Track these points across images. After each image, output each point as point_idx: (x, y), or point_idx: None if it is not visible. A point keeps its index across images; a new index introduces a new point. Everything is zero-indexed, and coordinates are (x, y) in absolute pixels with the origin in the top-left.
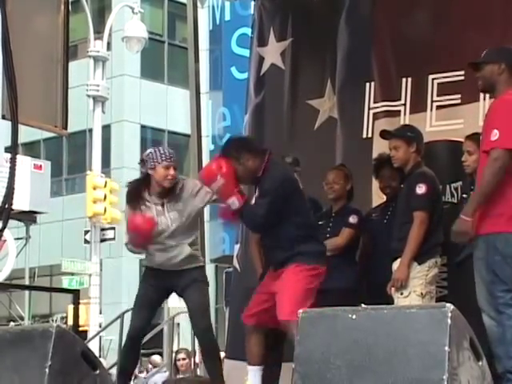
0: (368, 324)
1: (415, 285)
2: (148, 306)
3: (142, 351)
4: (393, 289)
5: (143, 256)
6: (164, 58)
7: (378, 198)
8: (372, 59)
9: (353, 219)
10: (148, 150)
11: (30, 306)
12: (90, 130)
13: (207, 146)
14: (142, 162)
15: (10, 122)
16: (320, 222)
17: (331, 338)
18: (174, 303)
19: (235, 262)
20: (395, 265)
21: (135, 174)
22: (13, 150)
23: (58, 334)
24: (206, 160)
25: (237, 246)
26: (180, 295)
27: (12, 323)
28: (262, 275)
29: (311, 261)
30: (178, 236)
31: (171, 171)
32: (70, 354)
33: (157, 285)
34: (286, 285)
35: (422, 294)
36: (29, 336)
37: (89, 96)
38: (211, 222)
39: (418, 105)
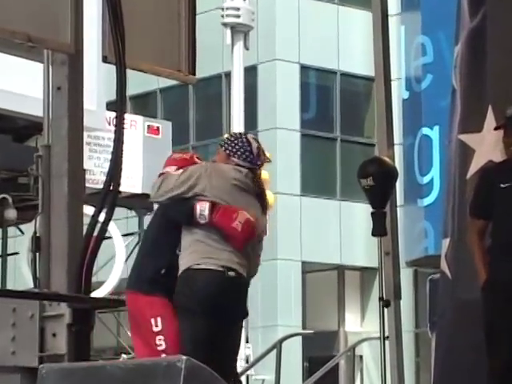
0: None
1: None
2: None
3: None
4: None
5: (307, 258)
6: None
7: None
8: None
9: None
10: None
11: None
12: (228, 75)
13: (398, 93)
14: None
15: (114, 67)
16: None
17: None
18: (354, 326)
19: (444, 265)
20: None
21: (294, 138)
22: (118, 106)
23: (189, 370)
24: (396, 113)
25: (445, 242)
26: None
27: (124, 356)
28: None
29: None
30: None
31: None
32: None
33: None
34: None
35: None
36: (149, 373)
37: (225, 25)
38: (406, 207)
39: None
